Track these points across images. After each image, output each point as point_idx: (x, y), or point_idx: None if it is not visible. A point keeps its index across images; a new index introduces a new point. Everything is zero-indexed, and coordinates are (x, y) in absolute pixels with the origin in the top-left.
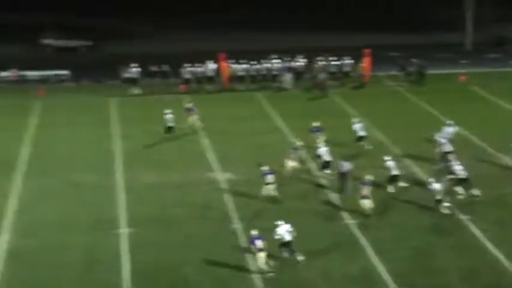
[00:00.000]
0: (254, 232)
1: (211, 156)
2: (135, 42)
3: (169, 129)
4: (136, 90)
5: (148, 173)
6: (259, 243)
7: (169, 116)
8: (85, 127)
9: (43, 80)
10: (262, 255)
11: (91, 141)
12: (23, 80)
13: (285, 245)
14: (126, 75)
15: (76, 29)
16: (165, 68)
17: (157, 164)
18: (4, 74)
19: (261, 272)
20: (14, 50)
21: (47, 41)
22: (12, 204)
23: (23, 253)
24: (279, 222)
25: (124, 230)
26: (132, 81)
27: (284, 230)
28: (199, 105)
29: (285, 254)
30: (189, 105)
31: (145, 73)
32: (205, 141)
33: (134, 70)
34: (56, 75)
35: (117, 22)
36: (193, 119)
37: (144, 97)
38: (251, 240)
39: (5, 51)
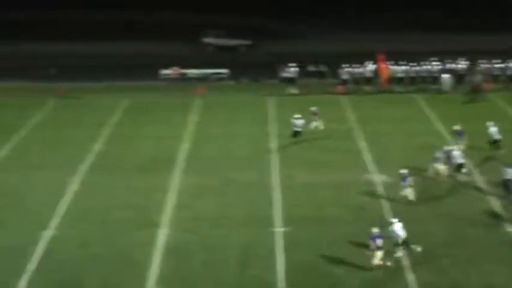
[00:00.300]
0: (375, 230)
1: (367, 157)
2: (290, 42)
3: (296, 133)
4: (293, 90)
5: (303, 172)
6: (379, 242)
7: (299, 121)
8: (243, 125)
9: (203, 78)
10: (380, 254)
11: (248, 139)
12: (184, 78)
13: (403, 243)
14: (284, 74)
15: (236, 29)
16: (323, 68)
17: (313, 163)
18: (166, 71)
19: (373, 269)
20: (177, 49)
21: (208, 40)
22: (171, 200)
23: (180, 248)
24: (394, 220)
25: (279, 229)
26: (290, 81)
27: (399, 228)
28: (357, 107)
29: (399, 254)
30: (314, 109)
31: (303, 73)
32: (361, 143)
33: (292, 70)
34: (215, 73)
35: (273, 22)
36: (318, 123)
37: (301, 97)
38: (372, 238)
39: (168, 49)
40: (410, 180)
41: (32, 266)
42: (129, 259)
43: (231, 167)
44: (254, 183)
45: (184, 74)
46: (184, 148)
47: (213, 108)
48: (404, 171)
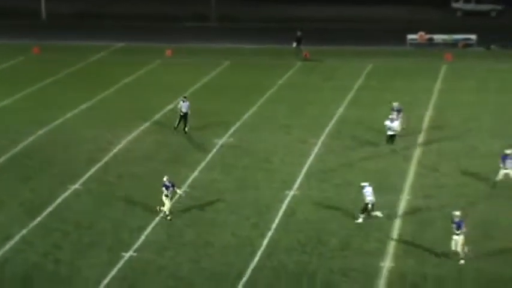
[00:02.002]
0: (457, 213)
1: None
2: None
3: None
4: None
5: None
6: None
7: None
8: (490, 93)
9: (451, 44)
10: (461, 239)
11: (495, 107)
12: (431, 44)
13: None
14: None
15: None
16: None
17: None
18: (413, 36)
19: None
20: (425, 14)
21: (457, 5)
22: (413, 166)
23: (420, 214)
24: (364, 184)
25: None
26: None
27: (369, 192)
28: None
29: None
30: (396, 104)
31: None
32: None
33: None
34: (464, 39)
35: None
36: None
37: None
38: (455, 222)
39: (416, 14)
40: None
41: (275, 224)
42: (370, 222)
43: (476, 135)
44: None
45: (431, 39)
46: (428, 115)
47: (460, 75)
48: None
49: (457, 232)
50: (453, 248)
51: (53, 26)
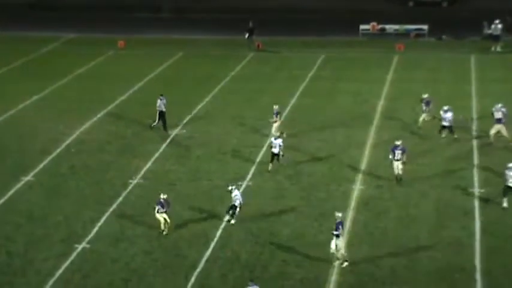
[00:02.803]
0: (338, 214)
1: None
2: None
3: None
4: (498, 48)
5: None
6: None
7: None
8: (441, 84)
9: (402, 34)
10: (341, 241)
11: (448, 98)
12: (383, 34)
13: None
14: (489, 31)
15: None
16: None
17: None
18: (365, 26)
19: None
20: (378, 4)
21: None
22: (366, 156)
23: (373, 204)
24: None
25: (476, 189)
26: (495, 38)
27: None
28: None
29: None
30: (426, 96)
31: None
32: None
33: (498, 27)
34: (415, 29)
35: None
36: (427, 115)
37: (506, 55)
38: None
39: (368, 5)
40: None
41: (228, 216)
42: (325, 211)
43: (427, 127)
44: (451, 143)
45: (383, 30)
46: (380, 104)
47: (412, 65)
48: None
49: (336, 233)
50: (332, 250)
51: (4, 16)
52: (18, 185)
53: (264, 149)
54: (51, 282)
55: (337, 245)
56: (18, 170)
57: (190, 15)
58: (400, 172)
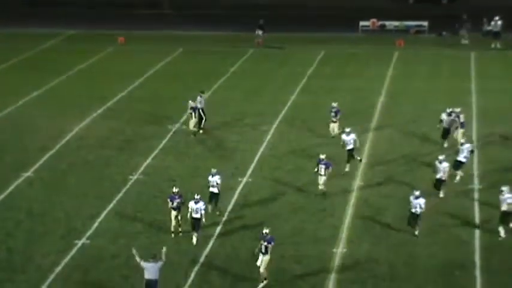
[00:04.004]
0: (266, 230)
1: None
2: None
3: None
4: (498, 45)
5: (503, 128)
6: None
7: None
8: (441, 80)
9: (402, 31)
10: (266, 259)
11: (446, 93)
12: (383, 30)
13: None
14: (488, 28)
15: None
16: None
17: None
18: (365, 23)
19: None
20: (379, 1)
21: None
22: (365, 152)
23: (372, 201)
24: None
25: (475, 186)
26: (495, 35)
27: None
28: None
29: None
30: (335, 104)
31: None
32: None
33: (498, 23)
34: (415, 26)
35: None
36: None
37: (505, 51)
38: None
39: (370, 2)
40: None
41: (228, 211)
42: (324, 207)
43: (424, 122)
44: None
45: (383, 26)
46: (381, 101)
47: (411, 62)
48: None
49: (263, 251)
50: (258, 265)
51: (4, 13)
52: (18, 181)
53: (264, 144)
54: (51, 278)
55: (263, 261)
56: (18, 166)
57: (189, 11)
58: (321, 187)
